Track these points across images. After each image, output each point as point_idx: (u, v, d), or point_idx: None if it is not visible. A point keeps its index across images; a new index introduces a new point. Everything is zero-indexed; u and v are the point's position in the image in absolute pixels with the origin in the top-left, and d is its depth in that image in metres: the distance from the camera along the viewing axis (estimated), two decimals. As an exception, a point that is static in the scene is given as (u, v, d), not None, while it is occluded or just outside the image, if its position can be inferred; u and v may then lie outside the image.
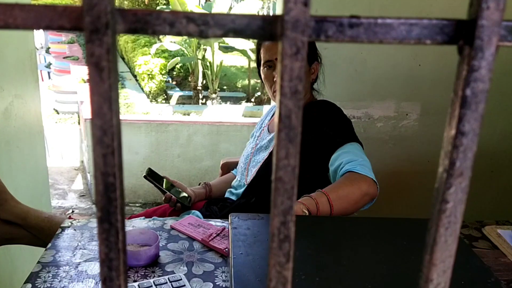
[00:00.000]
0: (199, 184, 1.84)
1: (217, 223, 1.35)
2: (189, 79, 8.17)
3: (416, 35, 0.26)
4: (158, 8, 10.05)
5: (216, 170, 2.05)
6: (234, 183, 1.77)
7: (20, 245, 1.51)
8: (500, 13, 0.24)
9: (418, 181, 2.40)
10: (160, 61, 7.42)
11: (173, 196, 1.60)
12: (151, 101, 7.23)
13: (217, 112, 6.52)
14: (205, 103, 7.62)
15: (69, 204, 4.37)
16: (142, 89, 7.44)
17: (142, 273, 1.08)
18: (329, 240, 1.05)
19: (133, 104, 6.10)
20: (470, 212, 2.05)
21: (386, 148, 2.34)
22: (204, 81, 7.84)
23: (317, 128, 1.48)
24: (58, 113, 6.82)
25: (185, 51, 7.95)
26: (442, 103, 2.27)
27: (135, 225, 1.32)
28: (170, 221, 1.36)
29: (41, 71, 9.00)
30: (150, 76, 7.29)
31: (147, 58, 7.45)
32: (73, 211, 4.16)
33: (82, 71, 7.67)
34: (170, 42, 7.89)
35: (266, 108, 6.26)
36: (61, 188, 4.71)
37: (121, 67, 8.88)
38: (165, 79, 7.58)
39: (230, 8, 8.22)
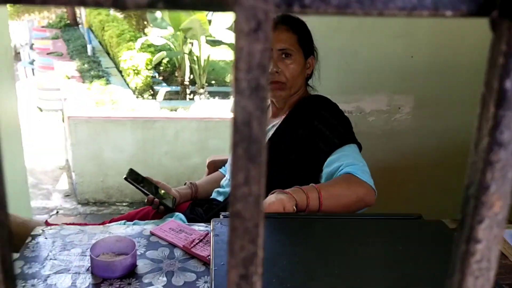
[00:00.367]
0: (184, 184, 1.77)
1: (200, 227, 1.27)
2: (176, 74, 8.06)
3: (431, 3, 0.18)
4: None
5: (205, 167, 1.99)
6: (223, 182, 1.70)
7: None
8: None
9: (412, 176, 2.35)
10: (146, 56, 7.30)
11: (156, 198, 1.53)
12: (137, 97, 7.12)
13: (206, 107, 6.43)
14: (192, 99, 7.52)
15: (54, 204, 4.28)
16: (127, 85, 7.32)
17: (117, 286, 1.00)
18: (318, 245, 0.98)
19: (118, 101, 5.98)
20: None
21: (379, 143, 2.28)
22: (192, 76, 7.74)
23: (312, 125, 1.40)
24: (41, 110, 6.69)
25: (172, 46, 7.83)
26: (436, 96, 2.22)
27: (112, 232, 1.24)
28: (150, 226, 1.28)
29: (25, 68, 8.85)
30: (136, 71, 7.16)
31: (132, 53, 7.32)
32: (57, 212, 4.07)
33: (65, 67, 7.53)
34: (156, 36, 7.78)
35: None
36: (45, 188, 4.61)
37: (106, 62, 8.74)
38: (151, 75, 7.46)
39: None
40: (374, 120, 2.25)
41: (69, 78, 7.08)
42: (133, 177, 1.51)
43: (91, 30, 11.12)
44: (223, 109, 6.69)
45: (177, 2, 0.17)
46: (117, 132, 3.91)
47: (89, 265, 1.06)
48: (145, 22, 10.82)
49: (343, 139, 1.37)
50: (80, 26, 12.99)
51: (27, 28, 12.16)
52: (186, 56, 7.54)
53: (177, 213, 1.55)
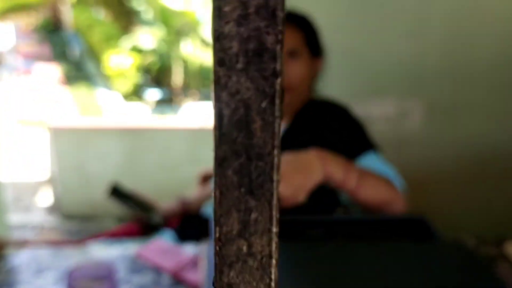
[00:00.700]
0: (175, 198, 1.72)
1: (190, 248, 1.20)
2: (167, 78, 8.03)
3: None
4: (130, 3, 9.87)
5: (197, 179, 1.94)
6: None
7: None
8: None
9: (423, 191, 2.28)
10: (134, 59, 7.26)
11: (142, 214, 1.49)
12: (125, 101, 7.07)
13: (198, 111, 6.37)
14: (183, 102, 7.48)
15: (36, 219, 4.20)
16: (114, 89, 7.27)
17: (95, 317, 0.93)
18: (324, 272, 0.91)
19: (104, 106, 5.92)
20: (487, 226, 1.93)
21: (386, 154, 2.22)
22: (183, 79, 7.71)
23: (322, 137, 1.32)
24: (23, 118, 6.64)
25: (161, 48, 7.80)
26: (450, 101, 2.16)
27: (92, 253, 1.17)
28: (135, 246, 1.21)
29: (8, 72, 8.81)
30: (124, 75, 7.11)
31: (120, 56, 7.29)
32: (41, 228, 3.99)
33: (50, 71, 7.48)
34: (145, 38, 7.74)
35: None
36: (26, 202, 4.53)
37: (93, 66, 8.70)
38: (139, 78, 7.42)
39: None
40: (380, 127, 2.19)
41: (53, 82, 7.03)
42: (117, 193, 1.49)
43: (78, 34, 11.11)
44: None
45: None
46: (102, 142, 3.86)
47: (65, 292, 0.99)
48: (134, 25, 10.79)
49: (358, 148, 1.30)
50: (66, 29, 12.98)
51: (13, 32, 12.17)
52: (177, 59, 7.51)
53: (165, 230, 1.51)
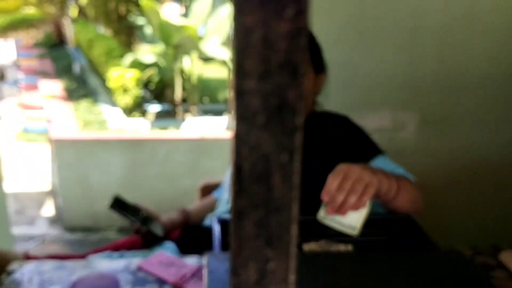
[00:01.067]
0: (177, 210, 1.70)
1: (192, 260, 1.19)
2: (167, 92, 8.03)
3: None
4: (131, 18, 9.90)
5: (198, 190, 1.93)
6: (222, 207, 1.62)
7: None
8: None
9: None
10: (135, 74, 7.26)
11: (143, 227, 1.48)
12: (126, 116, 7.06)
13: (198, 125, 6.37)
14: (184, 117, 7.47)
15: (38, 231, 4.18)
16: (116, 104, 7.26)
17: (99, 331, 0.92)
18: (324, 283, 0.90)
19: (106, 121, 5.91)
20: (483, 235, 1.92)
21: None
22: (183, 94, 7.71)
23: (331, 146, 1.32)
24: (26, 132, 6.62)
25: (162, 63, 7.81)
26: (443, 112, 2.15)
27: (95, 266, 1.16)
28: (137, 259, 1.20)
29: (10, 87, 8.80)
30: (125, 90, 7.11)
31: (121, 71, 7.29)
32: (43, 240, 3.97)
33: (52, 87, 7.48)
34: (146, 53, 7.76)
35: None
36: (29, 214, 4.51)
37: (94, 81, 8.69)
38: (141, 93, 7.42)
39: (208, 14, 8.09)
40: (376, 139, 2.18)
41: (55, 98, 7.02)
42: (118, 205, 1.48)
43: (79, 49, 11.13)
44: (216, 127, 6.63)
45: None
46: (104, 154, 3.85)
47: (68, 306, 0.98)
48: (135, 39, 10.83)
49: (369, 153, 1.31)
50: (68, 45, 13.02)
51: (14, 47, 12.20)
52: (178, 74, 7.52)
53: (167, 242, 1.49)
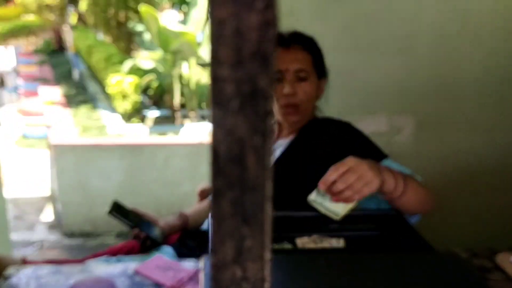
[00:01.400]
0: (175, 214, 1.70)
1: (190, 263, 1.19)
2: (166, 98, 8.03)
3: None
4: (130, 24, 9.92)
5: (196, 195, 1.92)
6: None
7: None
8: None
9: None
10: (134, 80, 7.27)
11: (142, 232, 1.47)
12: (126, 122, 7.06)
13: (197, 130, 6.37)
14: (183, 122, 7.47)
15: (38, 236, 4.17)
16: (115, 109, 7.26)
17: (96, 334, 0.92)
18: (321, 282, 0.90)
19: (106, 126, 5.91)
20: (479, 238, 1.92)
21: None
22: (182, 99, 7.71)
23: (335, 150, 1.33)
24: (26, 138, 6.62)
25: (161, 69, 7.82)
26: (439, 116, 2.16)
27: (92, 271, 1.16)
28: (134, 263, 1.20)
29: (10, 94, 8.80)
30: (124, 95, 7.11)
31: (120, 77, 7.29)
32: (42, 246, 3.96)
33: (51, 93, 7.48)
34: (145, 59, 7.77)
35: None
36: (29, 219, 4.50)
37: (93, 87, 8.69)
38: (140, 99, 7.42)
39: (206, 21, 8.10)
40: (373, 142, 2.19)
41: (54, 104, 7.02)
42: (118, 210, 1.47)
43: (78, 55, 11.13)
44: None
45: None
46: (104, 160, 3.85)
47: (66, 310, 0.98)
48: (134, 46, 10.85)
49: (375, 157, 1.30)
50: (67, 51, 13.03)
51: (14, 54, 12.20)
52: (176, 79, 7.52)
53: (164, 246, 1.49)
